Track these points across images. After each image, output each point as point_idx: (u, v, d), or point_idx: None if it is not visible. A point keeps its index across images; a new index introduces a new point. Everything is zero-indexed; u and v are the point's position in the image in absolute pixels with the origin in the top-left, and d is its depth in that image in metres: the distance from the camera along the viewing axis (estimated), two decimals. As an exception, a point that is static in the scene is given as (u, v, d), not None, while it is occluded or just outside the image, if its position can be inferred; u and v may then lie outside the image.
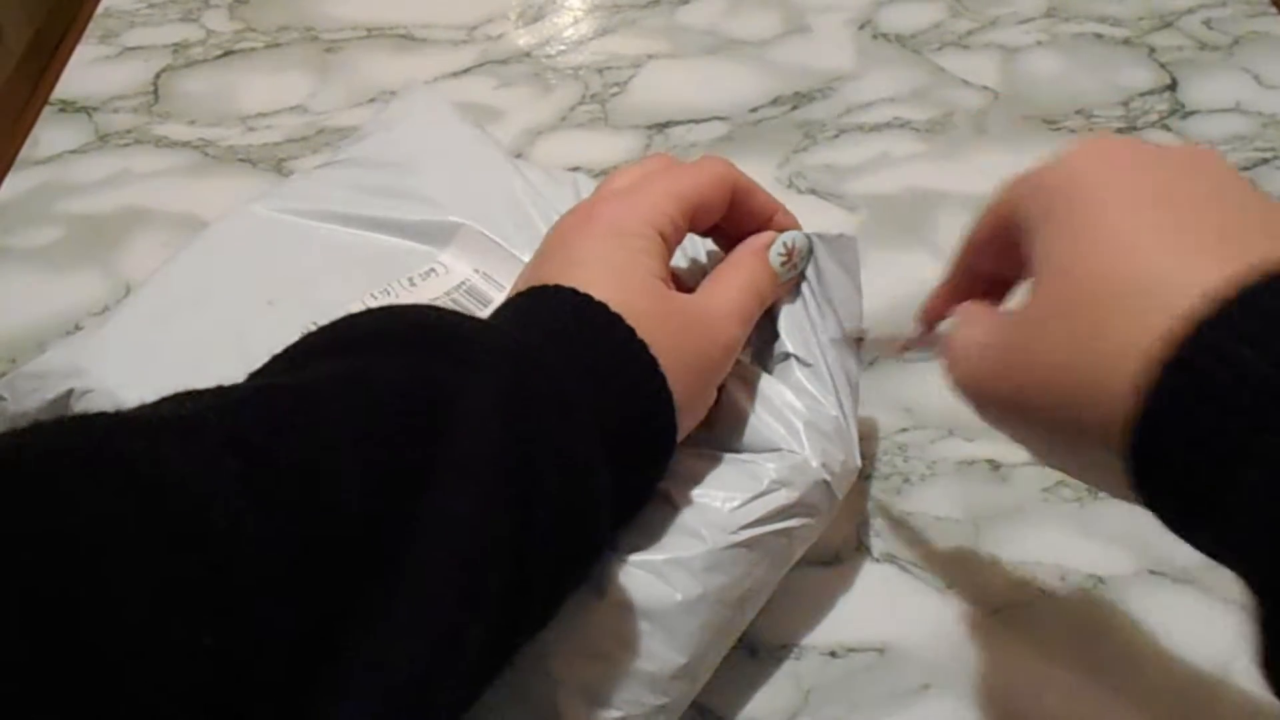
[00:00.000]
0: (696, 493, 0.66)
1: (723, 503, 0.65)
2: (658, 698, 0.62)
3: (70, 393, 0.68)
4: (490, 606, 0.52)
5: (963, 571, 0.73)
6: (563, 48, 1.13)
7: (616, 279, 0.63)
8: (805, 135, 1.03)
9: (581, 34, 1.15)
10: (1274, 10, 1.14)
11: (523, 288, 0.64)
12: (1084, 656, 0.69)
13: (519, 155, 1.01)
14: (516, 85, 1.09)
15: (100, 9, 1.19)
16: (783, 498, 0.66)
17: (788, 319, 0.71)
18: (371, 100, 1.08)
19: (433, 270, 0.75)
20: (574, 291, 0.62)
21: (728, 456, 0.68)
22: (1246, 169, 0.99)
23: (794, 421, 0.68)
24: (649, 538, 0.64)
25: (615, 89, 1.08)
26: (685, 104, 1.06)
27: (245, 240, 0.78)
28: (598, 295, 0.62)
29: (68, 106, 1.08)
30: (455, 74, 1.11)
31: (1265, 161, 0.99)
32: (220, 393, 0.51)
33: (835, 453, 0.68)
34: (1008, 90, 1.07)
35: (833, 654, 0.70)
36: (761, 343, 0.72)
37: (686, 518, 0.65)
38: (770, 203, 0.72)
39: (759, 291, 0.69)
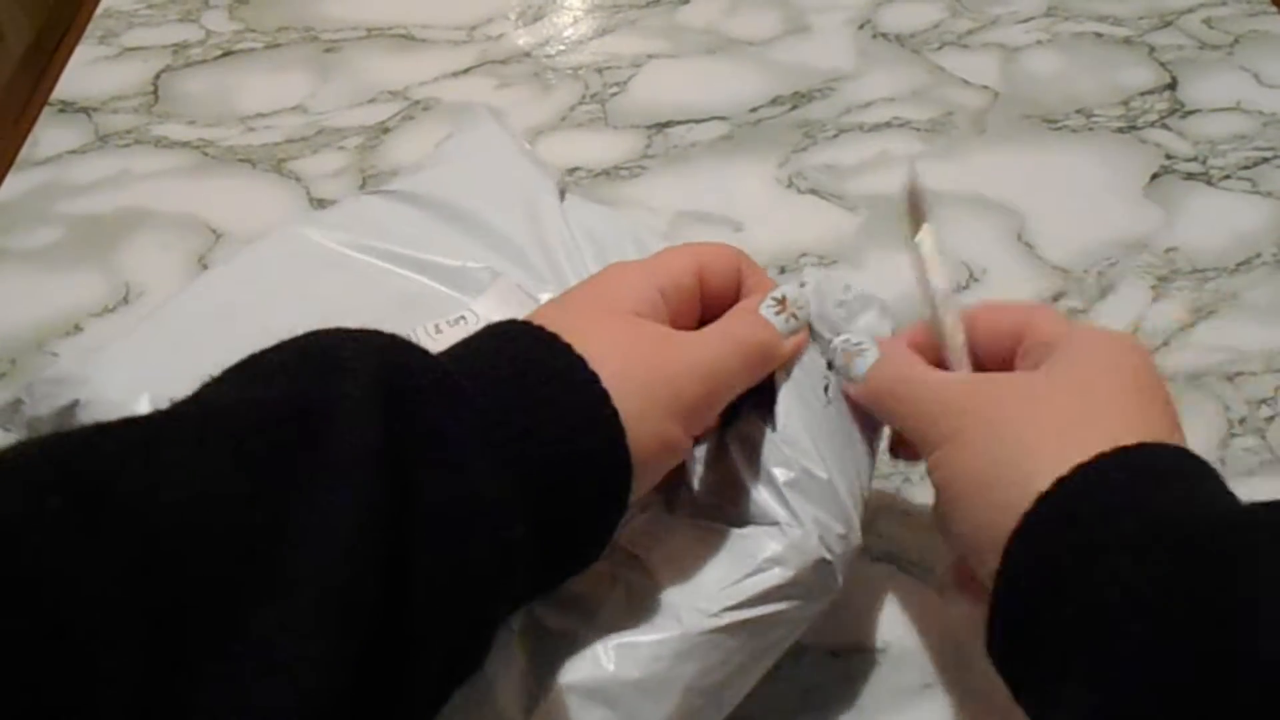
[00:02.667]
0: (679, 567, 0.61)
1: (707, 582, 0.61)
2: None
3: (76, 403, 0.68)
4: (361, 639, 0.46)
5: (963, 571, 0.73)
6: (562, 47, 1.13)
7: (576, 312, 0.61)
8: (805, 135, 1.03)
9: (581, 34, 1.15)
10: (1274, 9, 1.14)
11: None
12: (1085, 656, 0.69)
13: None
14: (516, 85, 1.09)
15: (100, 9, 1.19)
16: (775, 577, 0.61)
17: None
18: (371, 100, 1.08)
19: (462, 318, 0.74)
20: (525, 323, 0.58)
21: (720, 528, 0.63)
22: (1247, 168, 0.99)
23: (776, 479, 0.63)
24: (620, 614, 0.60)
25: (615, 89, 1.08)
26: (685, 104, 1.06)
27: (285, 262, 0.77)
28: (553, 326, 0.57)
29: (67, 107, 1.08)
30: (455, 74, 1.11)
31: (1265, 160, 0.99)
32: (65, 433, 0.45)
33: (831, 523, 0.62)
34: (1008, 90, 1.07)
35: (833, 654, 0.70)
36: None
37: (666, 595, 0.61)
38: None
39: (754, 339, 0.63)
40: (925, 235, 0.68)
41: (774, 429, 0.63)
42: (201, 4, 1.20)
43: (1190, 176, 0.98)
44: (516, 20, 1.17)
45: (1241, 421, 0.82)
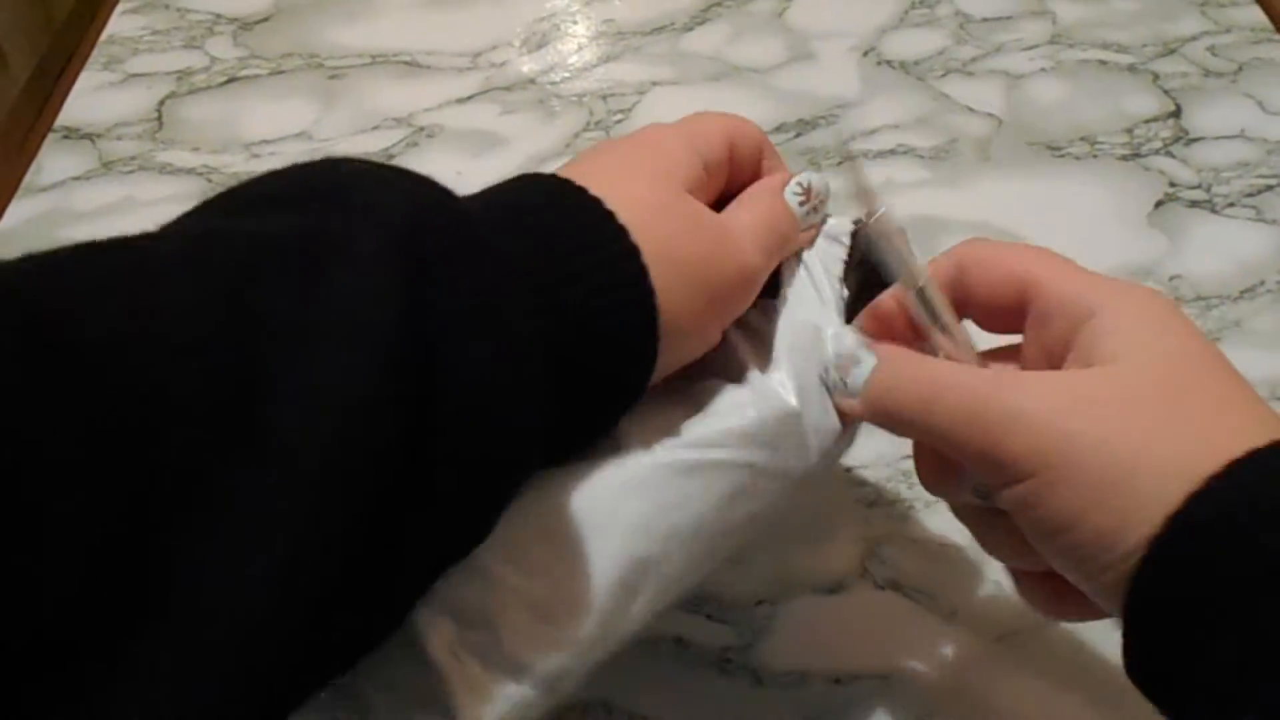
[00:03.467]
0: (636, 411, 0.55)
1: (663, 423, 0.56)
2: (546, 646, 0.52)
3: None
4: (368, 506, 0.42)
5: (967, 599, 0.73)
6: (567, 74, 1.14)
7: (620, 171, 0.56)
8: (810, 162, 1.03)
9: (586, 61, 1.15)
10: (1278, 37, 1.14)
11: None
12: (1089, 685, 0.69)
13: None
14: (520, 112, 1.09)
15: (104, 36, 1.20)
16: (737, 418, 0.56)
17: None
18: (375, 127, 1.08)
19: None
20: (551, 176, 0.54)
21: (685, 384, 0.58)
22: (1251, 196, 0.99)
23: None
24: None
25: (619, 116, 1.08)
26: (689, 131, 1.06)
27: None
28: (597, 189, 0.53)
29: (71, 133, 1.08)
30: (459, 101, 1.11)
31: (1270, 188, 0.99)
32: (24, 260, 0.40)
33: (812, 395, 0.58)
34: (1012, 117, 1.07)
35: (837, 681, 0.70)
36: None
37: (618, 433, 0.55)
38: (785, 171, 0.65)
39: (779, 228, 0.60)
40: (887, 220, 0.59)
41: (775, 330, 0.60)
42: (206, 31, 1.20)
43: (1194, 204, 0.98)
44: (521, 47, 1.17)
45: (1246, 449, 0.81)
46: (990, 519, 0.57)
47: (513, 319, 0.47)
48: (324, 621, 0.41)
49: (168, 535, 0.37)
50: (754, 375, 0.58)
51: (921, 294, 0.57)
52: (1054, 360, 0.54)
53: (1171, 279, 0.92)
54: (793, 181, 0.62)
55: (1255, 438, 0.47)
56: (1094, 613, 0.53)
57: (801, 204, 0.62)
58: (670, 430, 0.56)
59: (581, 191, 0.52)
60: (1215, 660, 0.45)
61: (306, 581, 0.40)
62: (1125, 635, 0.49)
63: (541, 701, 0.52)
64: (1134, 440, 0.48)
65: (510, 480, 0.48)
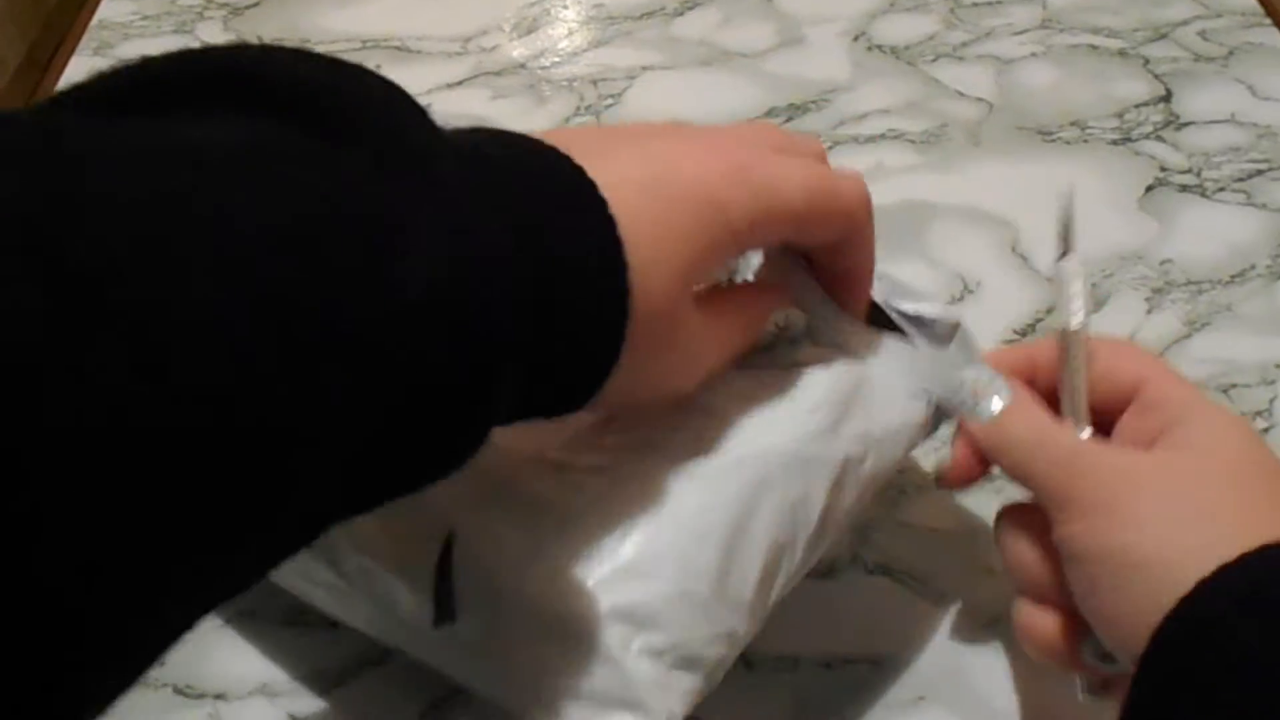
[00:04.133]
0: (746, 405, 0.60)
1: (781, 412, 0.60)
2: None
3: None
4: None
5: (958, 583, 0.73)
6: (557, 59, 1.13)
7: (648, 216, 0.52)
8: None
9: (576, 45, 1.15)
10: (1268, 22, 1.14)
11: None
12: (1080, 668, 0.69)
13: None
14: (511, 97, 1.09)
15: (94, 21, 1.19)
16: (841, 413, 0.61)
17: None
18: (366, 112, 1.08)
19: None
20: (572, 170, 0.51)
21: (778, 371, 0.62)
22: (1241, 180, 0.99)
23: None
24: (691, 450, 0.59)
25: (610, 100, 1.08)
26: (680, 115, 1.06)
27: None
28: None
29: (62, 118, 1.08)
30: (450, 85, 1.11)
31: (1260, 173, 0.99)
32: (48, 181, 0.35)
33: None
34: (1002, 102, 1.07)
35: (828, 665, 0.70)
36: None
37: (738, 429, 0.59)
38: (865, 269, 0.64)
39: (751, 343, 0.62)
40: (1072, 263, 0.66)
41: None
42: (196, 16, 1.20)
43: (1185, 189, 0.98)
44: (511, 32, 1.17)
45: (1236, 433, 0.82)
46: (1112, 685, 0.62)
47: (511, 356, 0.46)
48: None
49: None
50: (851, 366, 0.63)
51: (1071, 340, 0.63)
52: (1145, 446, 0.60)
53: (1162, 263, 0.92)
54: (778, 314, 0.65)
55: None
56: None
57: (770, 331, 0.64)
58: (778, 423, 0.60)
59: (615, 252, 0.50)
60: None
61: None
62: (1129, 700, 0.54)
63: (705, 691, 0.57)
64: (1193, 511, 0.56)
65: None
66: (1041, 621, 0.61)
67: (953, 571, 0.73)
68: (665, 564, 0.56)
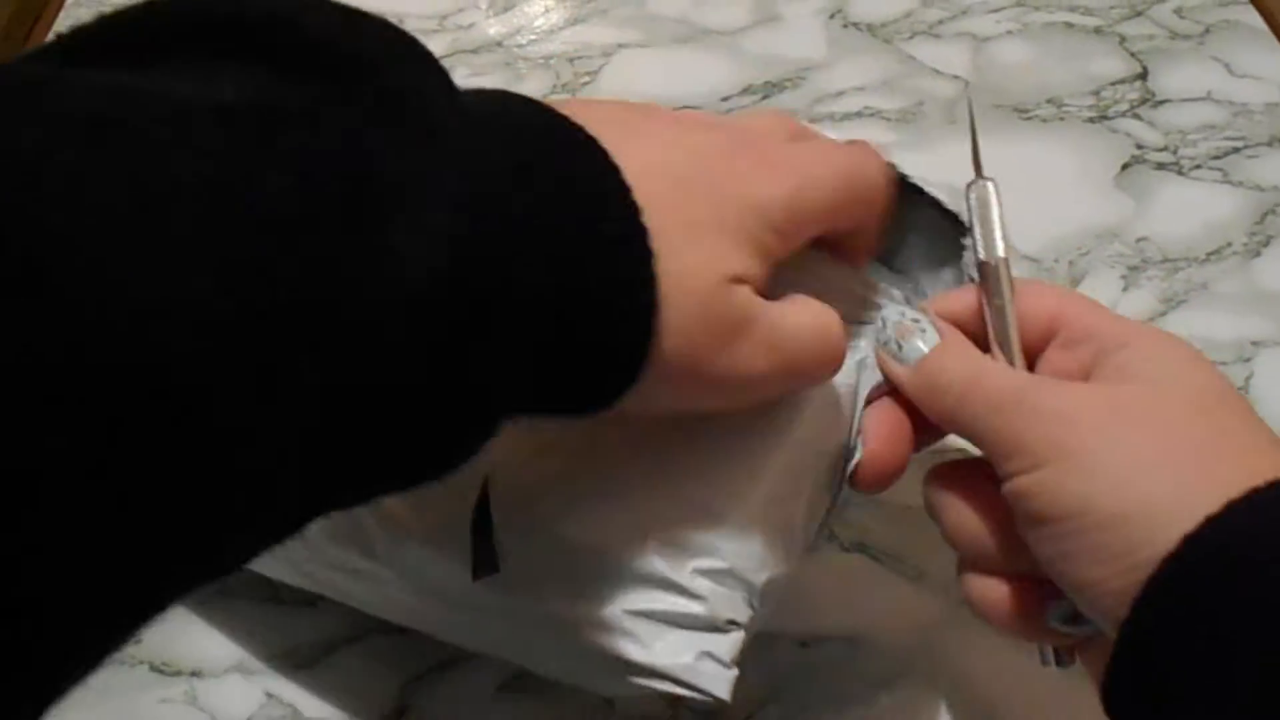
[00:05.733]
0: None
1: None
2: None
3: None
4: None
5: (934, 560, 0.73)
6: (534, 37, 1.13)
7: (678, 212, 0.49)
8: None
9: (552, 23, 1.15)
10: (1245, 0, 1.14)
11: None
12: (1055, 645, 0.69)
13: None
14: (488, 74, 1.09)
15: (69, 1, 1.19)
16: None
17: None
18: (341, 89, 1.07)
19: None
20: (597, 154, 0.48)
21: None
22: (1218, 158, 0.99)
23: None
24: None
25: (586, 78, 1.08)
26: (656, 93, 1.06)
27: None
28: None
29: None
30: (425, 63, 1.10)
31: (1236, 150, 0.99)
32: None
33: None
34: (978, 79, 1.07)
35: (803, 644, 0.70)
36: None
37: None
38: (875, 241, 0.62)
39: (825, 340, 0.55)
40: (987, 188, 0.62)
41: None
42: (170, -8, 1.19)
43: (1161, 166, 0.99)
44: (487, 10, 1.16)
45: (1211, 411, 0.82)
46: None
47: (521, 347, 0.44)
48: None
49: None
50: None
51: (995, 271, 0.59)
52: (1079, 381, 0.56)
53: (1138, 241, 0.93)
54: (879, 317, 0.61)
55: (1268, 475, 0.48)
56: None
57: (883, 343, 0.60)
58: None
59: (641, 240, 0.47)
60: (1192, 683, 0.46)
61: None
62: (1110, 663, 0.50)
63: (761, 619, 0.58)
64: (1145, 452, 0.50)
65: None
66: (995, 592, 0.57)
67: (929, 548, 0.73)
68: (710, 495, 0.56)
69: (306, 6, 0.44)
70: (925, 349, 0.58)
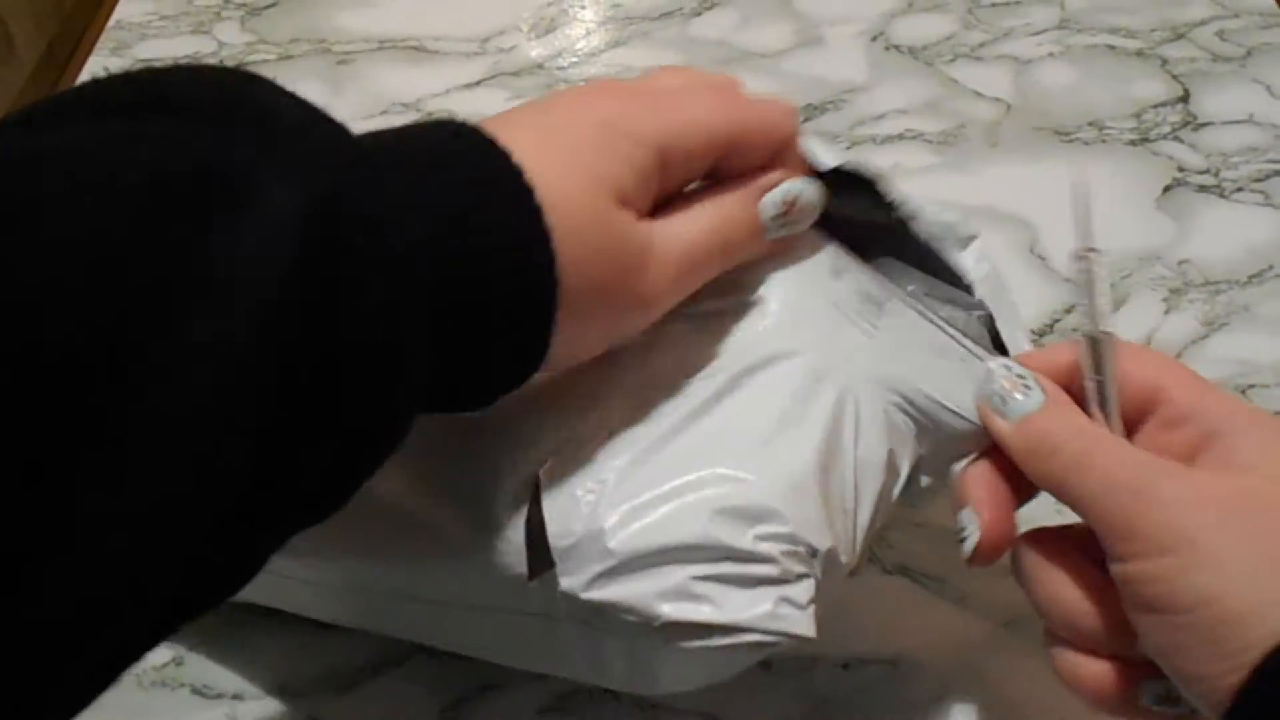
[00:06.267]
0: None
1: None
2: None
3: None
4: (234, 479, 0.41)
5: (976, 584, 0.73)
6: (575, 59, 1.14)
7: (561, 154, 0.52)
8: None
9: (594, 46, 1.15)
10: (1287, 22, 1.14)
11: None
12: (1097, 669, 0.69)
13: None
14: (529, 97, 1.09)
15: (112, 21, 1.19)
16: None
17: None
18: (383, 112, 1.08)
19: None
20: (466, 126, 0.51)
21: None
22: (1259, 180, 0.98)
23: None
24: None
25: (627, 101, 1.08)
26: (697, 116, 1.06)
27: None
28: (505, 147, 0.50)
29: (80, 118, 1.08)
30: (467, 86, 1.11)
31: (1278, 173, 0.99)
32: None
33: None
34: (1020, 102, 1.07)
35: (845, 666, 0.70)
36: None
37: None
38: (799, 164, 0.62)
39: (725, 243, 0.59)
40: (1097, 262, 0.60)
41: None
42: (214, 16, 1.20)
43: (1203, 189, 0.98)
44: (529, 32, 1.17)
45: (1255, 434, 0.82)
46: None
47: (410, 306, 0.46)
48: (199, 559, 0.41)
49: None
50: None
51: (1099, 345, 0.57)
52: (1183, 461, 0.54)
53: (1180, 264, 0.92)
54: (780, 189, 0.60)
55: None
56: None
57: (776, 217, 0.60)
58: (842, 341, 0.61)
59: (515, 179, 0.50)
60: None
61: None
62: None
63: (827, 593, 0.58)
64: (1264, 549, 0.48)
65: (393, 430, 0.47)
66: (1088, 669, 0.55)
67: (971, 572, 0.73)
68: (764, 467, 0.57)
69: (204, 72, 0.47)
70: (1031, 407, 0.56)
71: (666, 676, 0.59)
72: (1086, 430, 0.55)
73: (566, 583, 0.56)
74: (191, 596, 0.43)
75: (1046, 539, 0.57)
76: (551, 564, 0.57)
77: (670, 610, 0.55)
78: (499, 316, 0.50)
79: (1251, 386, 0.84)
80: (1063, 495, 0.54)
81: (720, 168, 0.59)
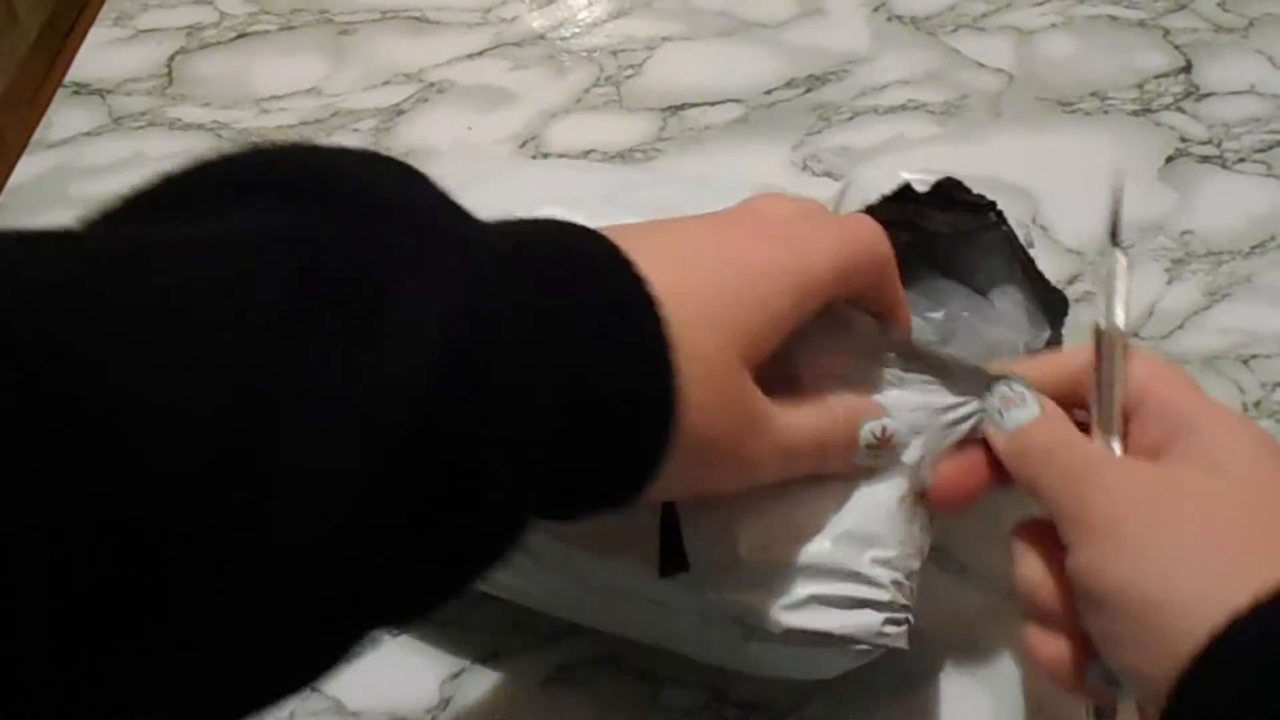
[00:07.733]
0: None
1: None
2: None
3: None
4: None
5: (977, 555, 0.73)
6: (577, 30, 1.13)
7: (710, 305, 0.52)
8: (820, 118, 1.03)
9: (596, 16, 1.15)
10: (1290, -8, 1.14)
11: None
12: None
13: (533, 138, 1.01)
14: (531, 68, 1.09)
15: (114, -9, 1.19)
16: None
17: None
18: (385, 83, 1.08)
19: None
20: (609, 250, 0.50)
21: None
22: (1262, 151, 0.98)
23: None
24: None
25: (630, 71, 1.08)
26: (700, 86, 1.06)
27: None
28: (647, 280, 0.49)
29: (81, 89, 1.08)
30: (469, 56, 1.11)
31: (1280, 144, 0.99)
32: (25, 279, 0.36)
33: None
34: (1022, 73, 1.07)
35: (847, 636, 0.70)
36: None
37: None
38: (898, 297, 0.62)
39: (821, 454, 0.59)
40: (1121, 260, 0.62)
41: None
42: (216, -14, 1.20)
43: (1205, 160, 0.98)
44: (531, 3, 1.16)
45: (1256, 404, 0.82)
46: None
47: (535, 445, 0.46)
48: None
49: (162, 627, 0.36)
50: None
51: (1108, 340, 0.59)
52: (1152, 460, 0.56)
53: (1182, 234, 0.92)
54: (880, 421, 0.61)
55: None
56: None
57: (871, 446, 0.61)
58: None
59: (657, 340, 0.49)
60: None
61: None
62: None
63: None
64: (1199, 539, 0.51)
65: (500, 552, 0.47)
66: (1049, 647, 0.58)
67: (972, 543, 0.73)
68: (865, 498, 0.62)
69: (312, 151, 0.48)
70: (1024, 420, 0.59)
71: (770, 667, 0.66)
72: (1062, 433, 0.58)
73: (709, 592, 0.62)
74: (281, 696, 0.44)
75: (1035, 527, 0.60)
76: (685, 566, 0.60)
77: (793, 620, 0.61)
78: (610, 459, 0.50)
79: (1254, 357, 0.84)
80: (1035, 494, 0.58)
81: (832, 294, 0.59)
